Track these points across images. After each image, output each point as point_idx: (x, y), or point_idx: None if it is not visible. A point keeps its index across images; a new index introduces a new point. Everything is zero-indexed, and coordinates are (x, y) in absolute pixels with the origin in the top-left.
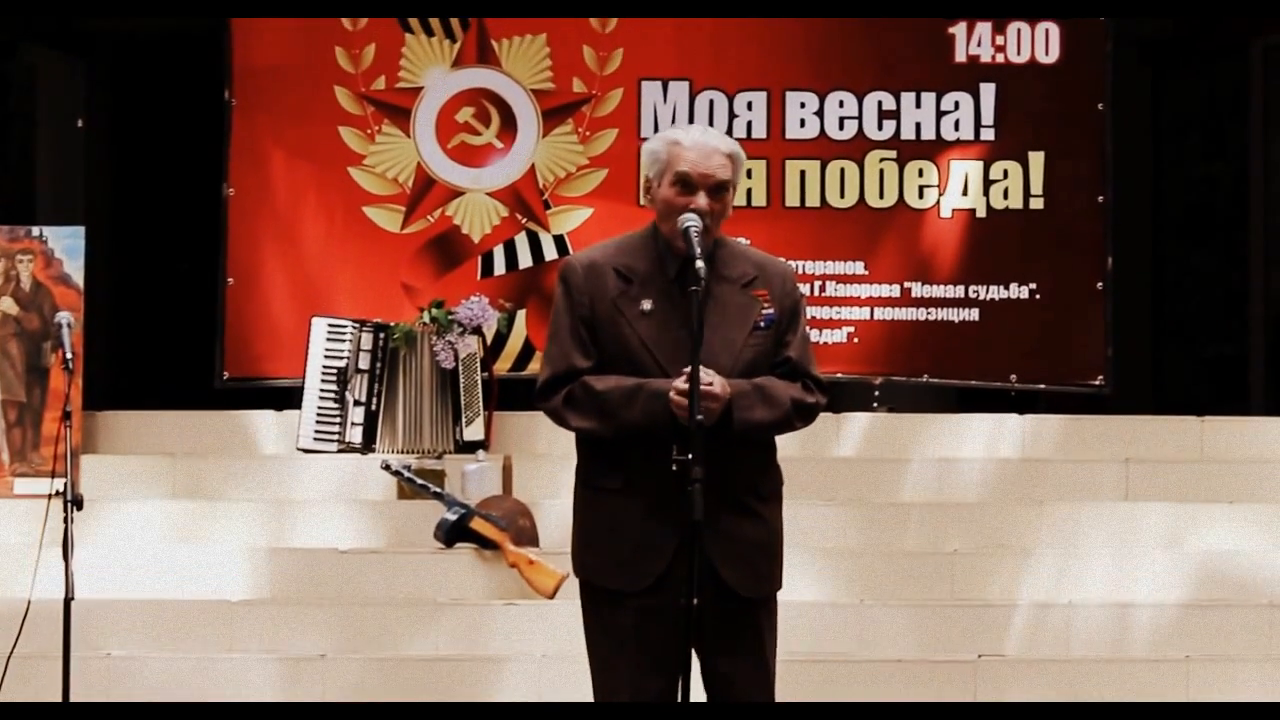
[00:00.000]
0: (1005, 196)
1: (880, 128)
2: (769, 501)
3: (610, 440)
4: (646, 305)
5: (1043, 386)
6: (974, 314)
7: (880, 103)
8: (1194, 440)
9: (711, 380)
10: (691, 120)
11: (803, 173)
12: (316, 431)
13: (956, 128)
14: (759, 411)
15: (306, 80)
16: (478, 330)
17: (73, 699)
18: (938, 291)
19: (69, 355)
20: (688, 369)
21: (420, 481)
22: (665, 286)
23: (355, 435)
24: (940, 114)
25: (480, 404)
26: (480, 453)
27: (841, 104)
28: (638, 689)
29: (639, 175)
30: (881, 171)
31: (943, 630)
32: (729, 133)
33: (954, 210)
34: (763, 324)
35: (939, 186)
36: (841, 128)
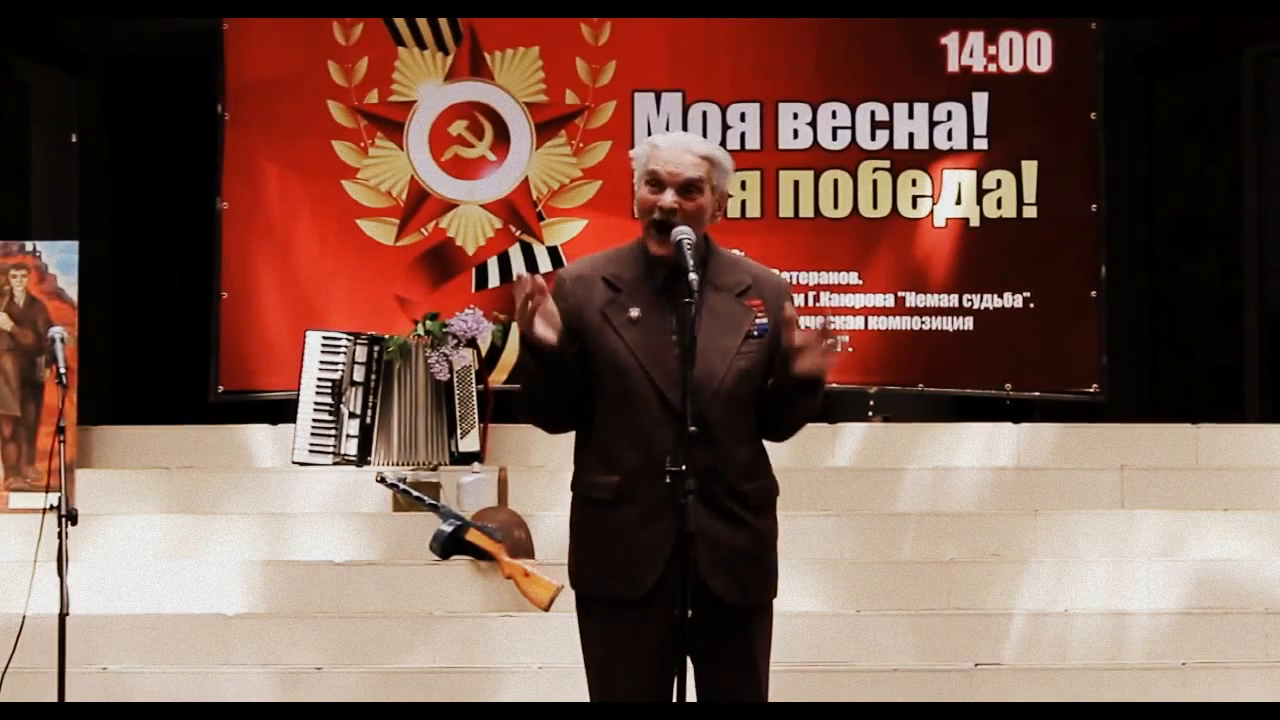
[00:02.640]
0: (999, 206)
1: (873, 138)
2: (759, 511)
3: (535, 399)
4: (634, 312)
5: (1037, 395)
6: (968, 323)
7: (873, 113)
8: (1189, 448)
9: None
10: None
11: (796, 183)
12: (311, 444)
13: (949, 137)
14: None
15: (299, 94)
16: (472, 342)
17: None
18: (932, 301)
19: (63, 370)
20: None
21: (416, 494)
22: (653, 294)
23: (350, 448)
24: (933, 124)
25: (475, 416)
26: (475, 464)
27: (834, 114)
28: (633, 698)
29: (633, 187)
30: (875, 181)
31: (939, 639)
32: (722, 144)
33: (948, 219)
34: (755, 333)
35: (932, 196)
36: (835, 138)
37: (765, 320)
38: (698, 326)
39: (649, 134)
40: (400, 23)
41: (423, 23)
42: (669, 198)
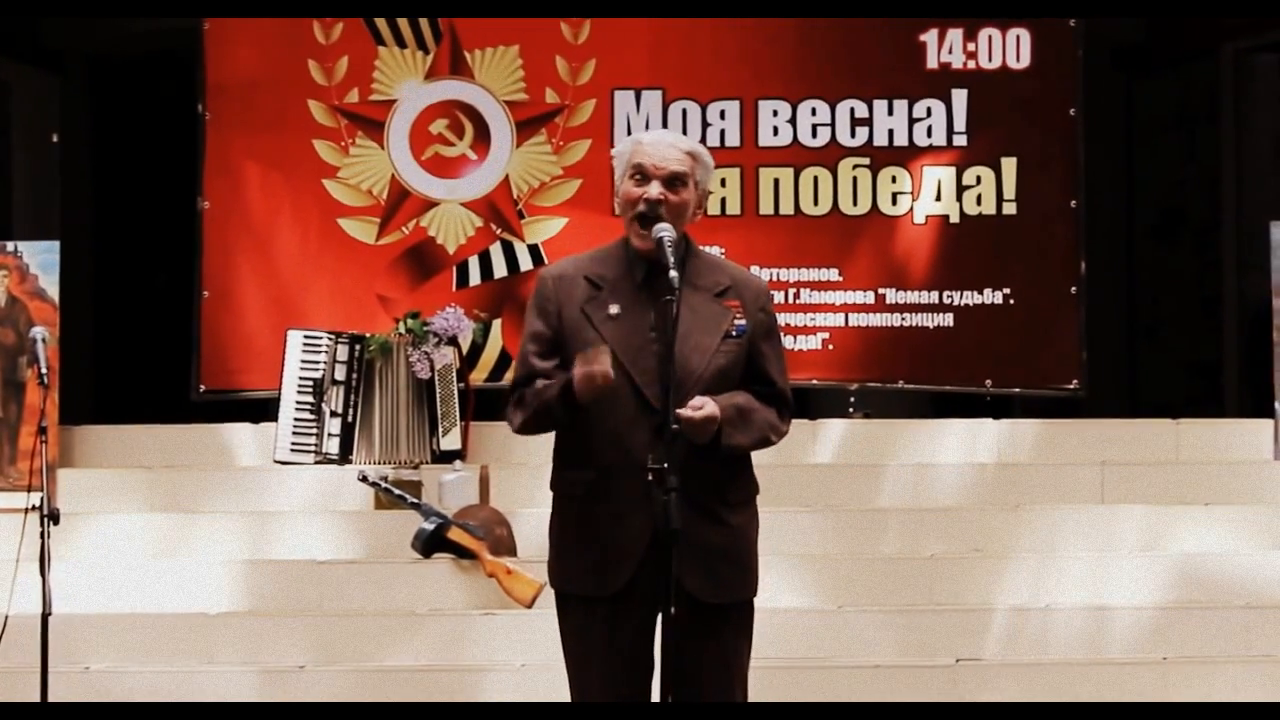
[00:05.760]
0: (978, 202)
1: (853, 135)
2: (737, 509)
3: (542, 429)
4: (614, 309)
5: (1018, 391)
6: (948, 319)
7: (853, 110)
8: (1169, 443)
9: (703, 403)
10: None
11: (776, 181)
12: (293, 443)
13: (929, 134)
14: (741, 436)
15: (280, 93)
16: (453, 341)
17: None
18: (912, 297)
19: (44, 370)
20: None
21: (397, 492)
22: (633, 291)
23: (332, 446)
24: (913, 120)
25: (457, 414)
26: (457, 463)
27: (814, 112)
28: (612, 694)
29: (613, 184)
30: (855, 178)
31: (921, 635)
32: (702, 141)
33: (927, 216)
34: (734, 333)
35: (912, 193)
36: (814, 135)
37: (743, 321)
38: (677, 325)
39: (629, 132)
40: (380, 22)
41: (403, 22)
42: (655, 189)
